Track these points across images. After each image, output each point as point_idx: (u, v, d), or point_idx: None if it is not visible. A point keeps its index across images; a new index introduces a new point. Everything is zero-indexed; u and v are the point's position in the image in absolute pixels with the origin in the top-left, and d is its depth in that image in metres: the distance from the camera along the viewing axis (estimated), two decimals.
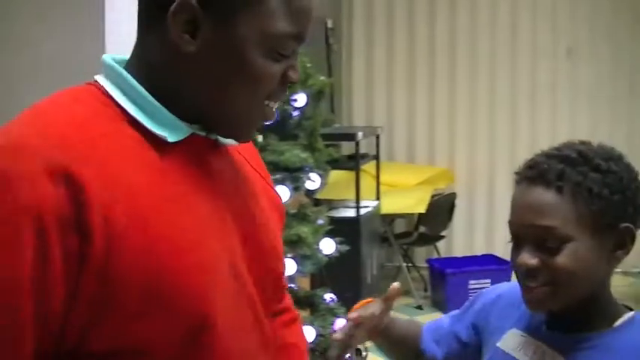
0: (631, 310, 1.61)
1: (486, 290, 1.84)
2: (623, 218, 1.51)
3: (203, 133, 1.31)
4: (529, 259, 1.50)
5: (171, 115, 1.26)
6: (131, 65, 1.29)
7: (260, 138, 3.70)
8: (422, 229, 7.37)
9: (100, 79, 1.28)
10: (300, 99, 3.81)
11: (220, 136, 1.33)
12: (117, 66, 1.28)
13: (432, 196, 7.06)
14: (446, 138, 8.33)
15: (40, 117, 1.19)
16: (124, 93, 1.26)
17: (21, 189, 1.07)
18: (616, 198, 1.49)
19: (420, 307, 6.87)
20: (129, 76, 1.26)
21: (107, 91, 1.26)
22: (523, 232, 1.53)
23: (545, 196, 1.50)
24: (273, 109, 1.32)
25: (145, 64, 1.28)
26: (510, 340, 1.67)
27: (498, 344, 1.68)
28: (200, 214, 1.26)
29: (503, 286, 1.82)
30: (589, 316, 1.56)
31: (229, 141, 1.37)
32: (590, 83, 8.08)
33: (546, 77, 8.15)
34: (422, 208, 6.83)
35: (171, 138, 1.25)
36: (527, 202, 1.52)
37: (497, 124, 8.24)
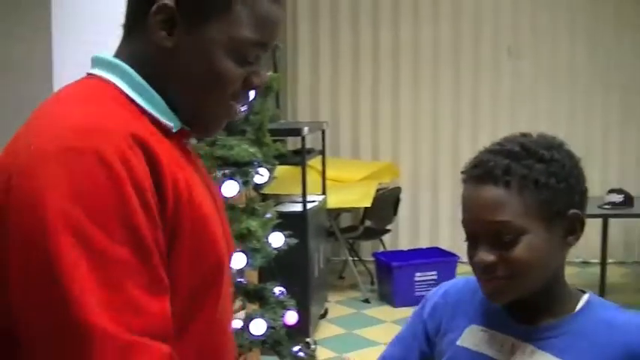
0: (583, 292, 1.65)
1: (431, 293, 1.82)
2: (571, 205, 1.54)
3: (187, 127, 1.48)
4: (486, 255, 1.53)
5: (168, 108, 1.43)
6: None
7: None
8: (367, 223, 7.45)
9: (107, 75, 1.42)
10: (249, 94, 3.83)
11: (191, 129, 1.49)
12: (123, 64, 1.42)
13: (377, 191, 7.13)
14: (390, 133, 8.42)
15: (91, 107, 1.34)
16: (132, 88, 1.41)
17: (114, 164, 1.23)
18: (562, 186, 1.52)
19: (367, 301, 6.94)
20: (134, 73, 1.41)
21: (118, 86, 1.41)
22: (478, 230, 1.55)
23: (494, 192, 1.52)
24: (238, 110, 1.48)
25: (132, 62, 1.42)
26: (471, 336, 1.67)
27: (458, 342, 1.68)
28: (200, 184, 1.46)
29: (447, 284, 1.82)
30: (550, 303, 1.60)
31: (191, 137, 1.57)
32: (531, 80, 8.23)
33: (488, 75, 8.28)
34: (367, 203, 6.90)
35: (174, 128, 1.44)
36: (479, 201, 1.54)
37: (440, 118, 8.36)
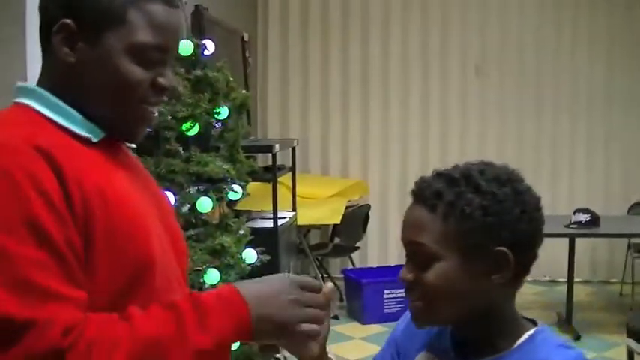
0: (535, 324, 1.63)
1: (404, 315, 1.80)
2: (497, 242, 1.49)
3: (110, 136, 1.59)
4: (405, 273, 1.55)
5: (86, 120, 1.54)
6: (42, 85, 1.57)
7: (181, 150, 3.75)
8: (337, 240, 7.48)
9: (27, 100, 1.55)
10: (223, 112, 3.86)
11: (114, 137, 1.60)
12: (38, 88, 1.56)
13: (347, 208, 7.17)
14: (359, 150, 8.47)
15: (4, 129, 1.46)
16: (48, 108, 1.53)
17: (15, 173, 1.35)
18: (489, 220, 1.48)
19: (336, 317, 6.96)
20: (47, 94, 1.54)
21: (36, 109, 1.53)
22: (405, 248, 1.57)
23: (419, 213, 1.54)
24: (153, 113, 1.60)
25: (48, 82, 1.56)
26: None
27: None
28: (129, 188, 1.56)
29: None
30: (491, 337, 1.58)
31: (128, 143, 1.69)
32: (498, 99, 8.31)
33: (456, 94, 8.36)
34: (337, 220, 6.93)
35: (95, 138, 1.55)
36: (408, 219, 1.57)
37: (409, 137, 8.41)
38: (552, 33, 8.24)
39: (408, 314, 1.73)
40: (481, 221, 1.48)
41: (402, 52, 8.39)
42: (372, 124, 8.45)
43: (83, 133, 1.53)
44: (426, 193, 1.54)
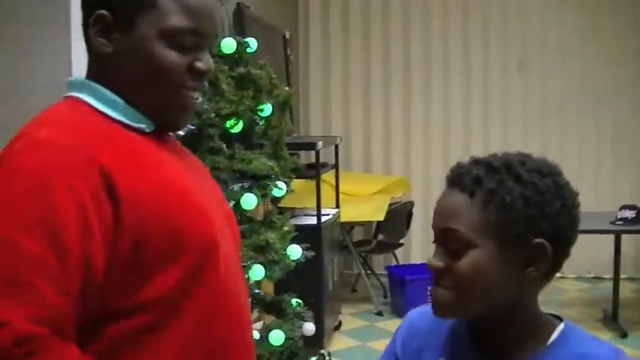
0: (559, 319, 1.56)
1: (401, 324, 1.73)
2: (536, 233, 1.44)
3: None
4: (435, 261, 1.47)
5: (137, 112, 1.58)
6: (90, 78, 1.61)
7: (225, 147, 3.77)
8: (380, 236, 7.47)
9: (78, 94, 1.58)
10: (266, 109, 3.88)
11: (160, 125, 1.62)
12: (88, 81, 1.59)
13: (390, 205, 7.16)
14: (401, 147, 8.45)
15: (58, 123, 1.50)
16: (99, 100, 1.57)
17: (67, 174, 1.39)
18: (531, 211, 1.43)
19: (380, 314, 6.97)
20: (97, 86, 1.57)
21: (87, 102, 1.57)
22: (437, 235, 1.50)
23: (457, 198, 1.47)
24: (194, 99, 1.61)
25: (94, 75, 1.60)
26: None
27: None
28: (189, 179, 1.60)
29: (413, 314, 1.73)
30: (518, 335, 1.51)
31: (175, 134, 1.75)
32: (541, 95, 8.25)
33: (498, 90, 8.31)
34: (380, 216, 6.93)
35: (147, 129, 1.58)
36: (442, 205, 1.50)
37: (451, 133, 8.38)
38: (593, 27, 8.15)
39: (406, 321, 1.71)
40: (522, 211, 1.43)
41: (443, 47, 8.36)
42: (414, 120, 8.43)
43: (134, 124, 1.56)
44: (464, 179, 1.47)
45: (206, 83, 1.65)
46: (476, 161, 1.52)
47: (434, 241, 1.51)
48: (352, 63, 8.50)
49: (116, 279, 1.44)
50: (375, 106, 8.50)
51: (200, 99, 1.63)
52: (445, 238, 1.48)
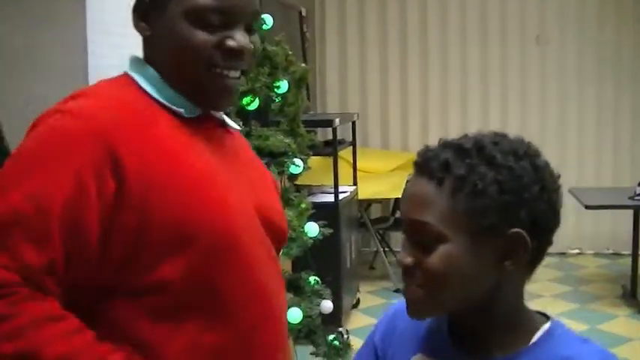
0: (547, 317, 1.43)
1: (382, 317, 1.62)
2: (513, 223, 1.30)
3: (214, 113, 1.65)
4: (404, 256, 1.34)
5: (180, 96, 1.60)
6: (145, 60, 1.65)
7: (241, 124, 3.77)
8: (398, 213, 7.45)
9: (131, 72, 1.63)
10: (282, 86, 3.87)
11: (200, 107, 1.62)
12: (141, 61, 1.63)
13: (407, 182, 7.11)
14: (419, 124, 8.43)
15: (89, 96, 1.55)
16: (147, 81, 1.60)
17: (72, 143, 1.43)
18: (506, 198, 1.29)
19: (398, 291, 6.96)
20: (147, 67, 1.61)
21: (137, 81, 1.61)
22: (404, 226, 1.37)
23: (424, 188, 1.32)
24: (229, 78, 1.59)
25: (145, 59, 1.64)
26: None
27: None
28: (214, 169, 1.58)
29: (396, 306, 1.58)
30: (499, 332, 1.38)
31: (231, 124, 1.73)
32: (558, 69, 8.19)
33: (516, 63, 8.26)
34: (398, 193, 6.90)
35: (187, 114, 1.59)
36: (408, 194, 1.36)
37: (468, 109, 8.35)
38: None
39: (389, 312, 1.60)
40: (496, 199, 1.28)
41: (460, 22, 8.31)
42: (431, 96, 8.40)
43: (174, 107, 1.58)
44: (431, 165, 1.32)
45: (244, 60, 1.61)
46: (445, 144, 1.37)
47: (403, 232, 1.39)
48: (369, 39, 8.47)
49: (124, 256, 1.45)
50: (392, 82, 8.46)
51: (240, 78, 1.62)
52: (413, 231, 1.34)
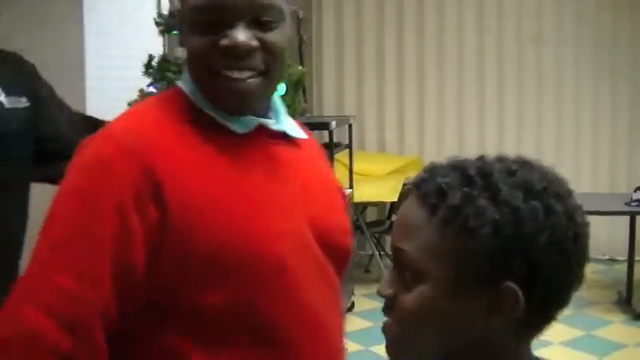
0: None
1: None
2: (505, 273, 1.10)
3: (271, 125, 1.55)
4: (384, 288, 1.19)
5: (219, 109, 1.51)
6: None
7: None
8: (394, 217, 7.44)
9: (180, 83, 1.57)
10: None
11: (222, 113, 1.52)
12: (187, 74, 1.56)
13: (404, 185, 7.13)
14: (415, 127, 8.41)
15: (131, 116, 1.53)
16: (193, 94, 1.53)
17: (108, 170, 1.38)
18: (499, 243, 1.08)
19: None
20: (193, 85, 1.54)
21: (186, 93, 1.54)
22: (392, 253, 1.22)
23: (415, 213, 1.15)
24: (237, 80, 1.46)
25: None
26: None
27: None
28: (262, 190, 1.49)
29: None
30: None
31: (296, 133, 1.62)
32: (556, 68, 8.15)
33: (513, 66, 8.23)
34: (394, 197, 6.90)
35: (238, 129, 1.50)
36: (398, 218, 1.21)
37: (465, 112, 8.33)
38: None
39: None
40: (488, 242, 1.08)
41: (457, 24, 8.28)
42: (427, 100, 8.38)
43: (223, 122, 1.51)
44: (427, 187, 1.14)
45: (256, 59, 1.47)
46: (452, 164, 1.18)
47: (392, 261, 1.23)
48: (365, 42, 8.45)
49: (166, 282, 1.40)
50: (389, 84, 8.45)
51: (257, 77, 1.47)
52: (396, 259, 1.18)
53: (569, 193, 1.16)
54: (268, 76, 1.49)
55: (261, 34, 1.46)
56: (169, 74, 4.04)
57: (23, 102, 2.23)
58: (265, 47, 1.47)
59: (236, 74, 1.46)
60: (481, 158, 1.19)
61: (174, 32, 4.25)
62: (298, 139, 1.63)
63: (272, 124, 1.56)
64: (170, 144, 1.43)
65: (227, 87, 1.47)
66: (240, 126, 1.50)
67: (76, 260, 1.34)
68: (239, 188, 1.46)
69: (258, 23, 1.46)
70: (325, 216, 1.60)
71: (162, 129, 1.45)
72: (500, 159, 1.19)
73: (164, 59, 4.23)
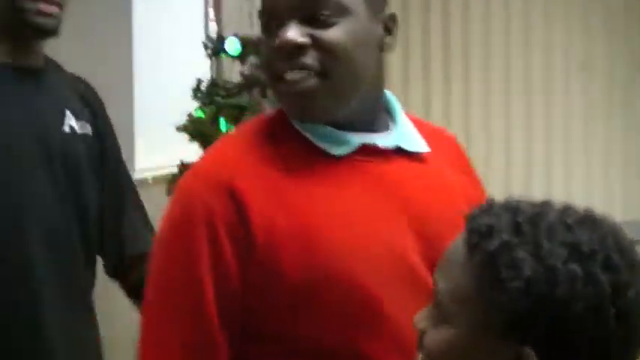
0: None
1: None
2: (524, 336, 1.02)
3: (371, 143, 1.41)
4: (417, 320, 1.16)
5: (334, 130, 1.39)
6: None
7: None
8: None
9: None
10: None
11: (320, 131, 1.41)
12: None
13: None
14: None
15: (219, 144, 1.51)
16: None
17: (195, 203, 1.34)
18: (525, 304, 1.00)
19: None
20: None
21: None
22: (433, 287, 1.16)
23: (458, 249, 1.09)
24: (286, 81, 1.37)
25: None
26: None
27: None
28: (358, 218, 1.36)
29: None
30: None
31: (414, 147, 1.47)
32: (603, 97, 8.06)
33: (560, 91, 8.15)
34: None
35: (335, 151, 1.39)
36: (447, 248, 1.15)
37: (511, 134, 8.21)
38: None
39: None
40: (514, 299, 1.00)
41: (504, 45, 8.18)
42: (473, 127, 8.28)
43: (320, 144, 1.39)
44: (476, 223, 1.07)
45: (308, 57, 1.35)
46: (506, 205, 1.10)
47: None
48: (411, 63, 8.38)
49: (251, 307, 1.36)
50: (435, 104, 8.36)
51: (304, 78, 1.35)
52: (433, 293, 1.14)
53: (630, 265, 1.03)
54: (329, 77, 1.35)
55: (315, 31, 1.35)
56: (218, 98, 4.03)
57: (89, 130, 2.20)
58: (319, 45, 1.35)
59: (289, 75, 1.36)
60: (542, 204, 1.10)
61: (223, 55, 4.27)
62: (418, 152, 1.47)
63: (380, 139, 1.43)
64: (257, 168, 1.36)
65: (284, 91, 1.38)
66: (337, 147, 1.39)
67: (184, 313, 1.35)
68: (329, 215, 1.34)
69: (314, 20, 1.35)
70: (439, 237, 1.34)
71: (252, 153, 1.39)
72: (564, 209, 1.09)
73: (213, 83, 4.23)
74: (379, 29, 1.43)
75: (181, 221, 1.36)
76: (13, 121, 2.03)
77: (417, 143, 1.48)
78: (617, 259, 1.02)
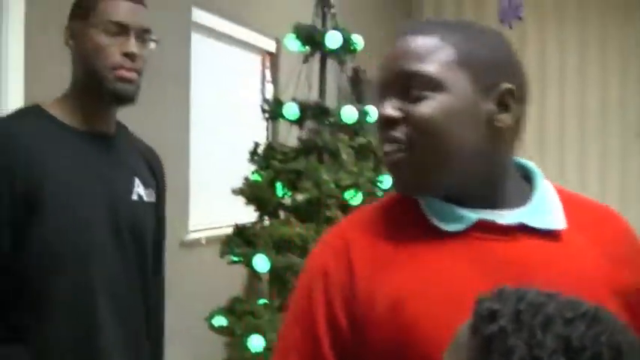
0: None
1: None
2: None
3: (488, 218, 1.33)
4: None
5: (448, 205, 1.34)
6: None
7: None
8: None
9: None
10: (386, 181, 3.84)
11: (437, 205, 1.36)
12: None
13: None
14: None
15: (356, 210, 1.50)
16: None
17: (320, 257, 1.40)
18: None
19: None
20: None
21: None
22: None
23: (463, 332, 1.07)
24: (384, 153, 1.36)
25: None
26: None
27: None
28: (459, 301, 1.21)
29: None
30: None
31: (545, 224, 1.35)
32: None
33: (616, 159, 8.11)
34: None
35: (446, 226, 1.33)
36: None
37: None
38: None
39: None
40: None
41: (559, 111, 8.21)
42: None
43: (433, 220, 1.35)
44: (484, 305, 1.04)
45: (398, 131, 1.36)
46: (515, 290, 1.06)
47: None
48: None
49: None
50: None
51: (394, 151, 1.36)
52: None
53: None
54: (413, 151, 1.33)
55: (409, 106, 1.33)
56: (275, 162, 4.01)
57: (154, 199, 2.23)
58: (408, 119, 1.33)
59: (385, 147, 1.35)
60: (550, 294, 1.05)
61: (280, 119, 4.25)
62: (548, 230, 1.35)
63: (501, 215, 1.35)
64: (373, 240, 1.36)
65: (385, 163, 1.38)
66: (450, 222, 1.33)
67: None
68: (426, 293, 1.29)
69: (409, 95, 1.34)
70: None
71: (374, 224, 1.40)
72: (571, 303, 1.03)
73: (269, 147, 4.22)
74: (488, 105, 1.36)
75: (303, 273, 1.44)
76: (86, 192, 2.06)
77: (549, 219, 1.36)
78: (608, 358, 0.98)
